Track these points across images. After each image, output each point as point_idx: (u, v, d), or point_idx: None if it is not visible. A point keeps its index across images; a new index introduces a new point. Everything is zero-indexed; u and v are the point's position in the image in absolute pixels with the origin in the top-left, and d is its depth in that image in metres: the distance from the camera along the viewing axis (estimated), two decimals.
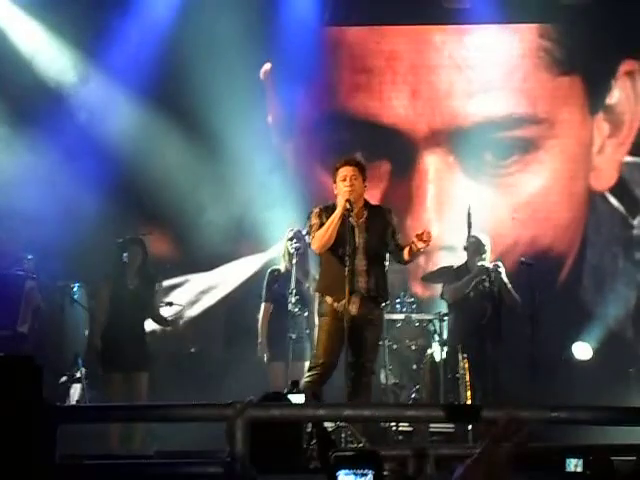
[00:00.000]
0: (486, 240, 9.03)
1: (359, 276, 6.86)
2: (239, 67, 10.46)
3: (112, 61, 10.52)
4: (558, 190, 10.92)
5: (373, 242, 6.94)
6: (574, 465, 4.45)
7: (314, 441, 6.07)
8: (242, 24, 10.30)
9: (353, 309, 6.84)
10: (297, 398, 6.16)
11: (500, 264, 8.94)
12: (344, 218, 6.84)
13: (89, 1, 10.53)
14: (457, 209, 10.34)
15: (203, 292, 10.92)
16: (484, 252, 8.93)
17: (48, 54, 10.62)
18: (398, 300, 9.30)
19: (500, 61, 10.96)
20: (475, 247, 8.94)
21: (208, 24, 10.48)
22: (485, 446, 2.63)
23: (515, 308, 8.90)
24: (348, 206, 6.83)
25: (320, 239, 6.91)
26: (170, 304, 9.23)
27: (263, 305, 9.20)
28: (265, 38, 10.57)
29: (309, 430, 6.01)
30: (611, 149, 10.86)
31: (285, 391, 6.78)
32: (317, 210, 7.06)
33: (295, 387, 6.29)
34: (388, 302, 7.40)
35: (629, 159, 10.84)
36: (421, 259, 10.36)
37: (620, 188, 10.83)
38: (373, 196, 10.54)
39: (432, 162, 10.89)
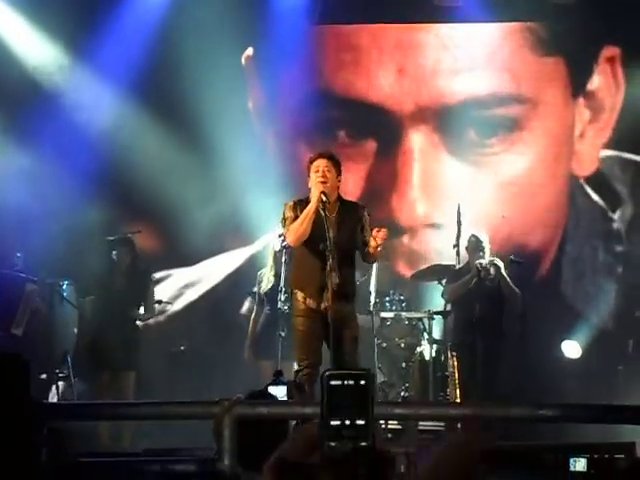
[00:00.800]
0: (484, 237, 9.04)
1: (331, 272, 6.78)
2: (225, 57, 10.50)
3: (99, 56, 10.51)
4: (542, 173, 10.96)
5: (344, 238, 6.87)
6: (578, 465, 4.44)
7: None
8: (225, 11, 10.31)
9: (325, 305, 6.82)
10: (278, 390, 6.12)
11: (498, 260, 8.97)
12: (318, 211, 6.80)
13: None
14: (442, 188, 10.53)
15: (188, 286, 10.92)
16: (482, 249, 8.94)
17: (35, 49, 10.60)
18: (387, 298, 9.28)
19: (485, 41, 11.00)
20: (474, 246, 8.97)
21: (193, 14, 10.54)
22: (452, 441, 2.64)
23: (515, 302, 8.93)
24: (324, 198, 6.79)
25: (295, 232, 6.86)
26: (159, 302, 9.23)
27: (255, 307, 9.23)
28: (248, 22, 10.55)
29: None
30: (592, 135, 10.92)
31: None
32: (291, 203, 7.00)
33: (279, 377, 6.26)
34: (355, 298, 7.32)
35: (609, 153, 10.87)
36: (406, 237, 10.48)
37: (600, 181, 10.88)
38: (358, 174, 10.69)
39: (417, 141, 10.91)
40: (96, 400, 8.18)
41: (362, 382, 2.82)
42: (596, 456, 4.38)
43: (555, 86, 10.92)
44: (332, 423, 2.77)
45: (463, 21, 10.88)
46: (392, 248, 9.77)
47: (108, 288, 8.72)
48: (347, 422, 2.77)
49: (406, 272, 10.26)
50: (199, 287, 10.94)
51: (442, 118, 10.86)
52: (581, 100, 10.93)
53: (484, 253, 8.92)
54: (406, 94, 10.98)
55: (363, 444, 2.70)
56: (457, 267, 9.11)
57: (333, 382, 2.74)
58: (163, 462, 4.46)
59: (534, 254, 10.71)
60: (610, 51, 10.89)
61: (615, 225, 10.85)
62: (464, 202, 9.39)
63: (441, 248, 10.03)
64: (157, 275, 10.09)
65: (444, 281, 9.20)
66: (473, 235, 9.01)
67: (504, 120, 10.89)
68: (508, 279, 8.89)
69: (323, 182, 6.85)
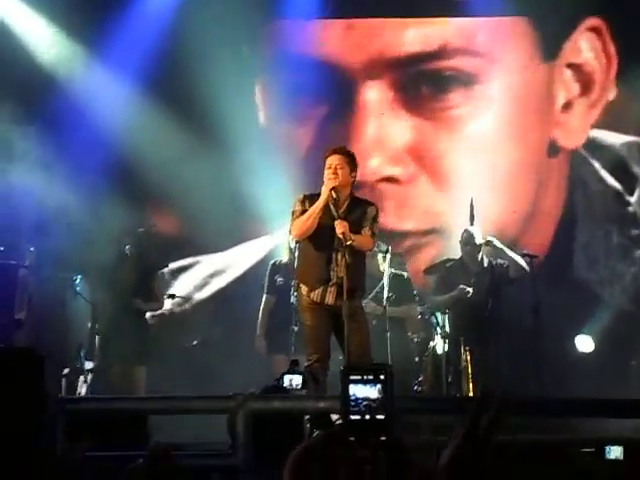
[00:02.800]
0: (475, 230, 9.02)
1: (335, 266, 6.80)
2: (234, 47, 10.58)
3: (112, 50, 10.53)
4: (510, 135, 10.91)
5: (349, 232, 6.80)
6: (614, 453, 4.43)
7: (316, 432, 6.06)
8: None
9: (329, 299, 6.83)
10: (294, 378, 6.13)
11: (490, 237, 8.99)
12: (327, 208, 6.81)
13: None
14: (397, 143, 10.70)
15: (211, 276, 10.98)
16: (473, 243, 8.93)
17: (49, 44, 10.63)
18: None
19: None
20: (466, 240, 8.97)
21: (204, 9, 10.60)
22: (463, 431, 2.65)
23: (519, 277, 8.93)
24: (334, 195, 6.80)
25: (300, 227, 6.86)
26: (172, 296, 9.25)
27: (265, 297, 9.23)
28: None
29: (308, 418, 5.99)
30: (582, 108, 10.88)
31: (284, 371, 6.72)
32: (301, 197, 6.99)
33: (294, 367, 6.27)
34: (364, 293, 7.33)
35: (629, 138, 10.84)
36: (366, 191, 10.34)
37: (617, 165, 10.84)
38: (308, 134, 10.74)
39: (372, 97, 10.94)
40: (108, 395, 8.20)
41: (382, 377, 2.83)
42: (632, 443, 4.37)
43: (517, 46, 10.87)
44: (352, 418, 2.78)
45: (473, 15, 10.86)
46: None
47: (119, 282, 8.74)
48: (367, 417, 2.79)
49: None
50: (215, 280, 10.99)
51: (393, 72, 10.89)
52: (567, 71, 10.89)
53: (476, 247, 8.93)
54: (356, 47, 11.02)
55: (382, 439, 2.71)
56: (448, 264, 9.11)
57: (353, 377, 2.76)
58: (179, 457, 4.46)
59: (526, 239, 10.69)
60: (593, 21, 10.84)
61: (631, 208, 10.82)
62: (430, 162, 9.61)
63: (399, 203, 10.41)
64: (176, 265, 10.16)
65: (434, 277, 9.20)
66: (465, 230, 9.02)
67: (457, 73, 10.88)
68: (510, 252, 8.90)
69: (334, 179, 6.83)
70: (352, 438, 2.74)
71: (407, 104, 10.88)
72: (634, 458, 4.34)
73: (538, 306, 8.72)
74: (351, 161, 6.96)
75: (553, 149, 10.89)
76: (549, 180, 10.94)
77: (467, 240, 8.92)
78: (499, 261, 8.94)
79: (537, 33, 10.79)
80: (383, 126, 10.89)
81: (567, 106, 10.89)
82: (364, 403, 2.89)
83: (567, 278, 10.71)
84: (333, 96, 10.96)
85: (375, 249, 8.89)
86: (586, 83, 10.86)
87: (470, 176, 10.51)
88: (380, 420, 2.74)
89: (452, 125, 10.91)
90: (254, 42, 10.81)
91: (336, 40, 11.05)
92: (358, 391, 2.92)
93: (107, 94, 10.50)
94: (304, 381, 6.09)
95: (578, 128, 10.88)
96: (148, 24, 10.61)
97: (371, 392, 2.91)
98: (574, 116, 10.89)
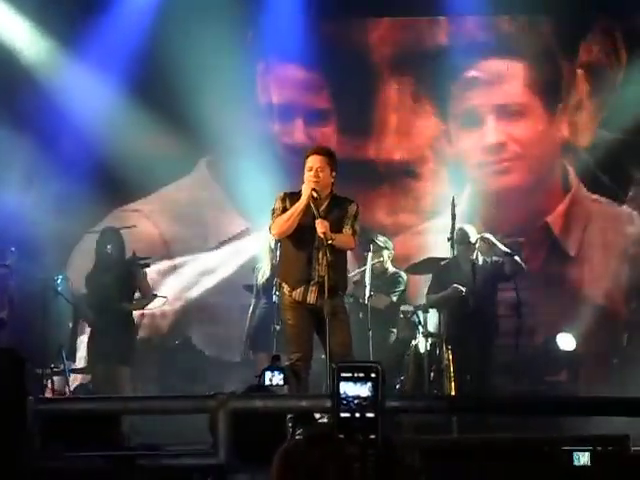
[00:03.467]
0: (470, 229, 9.03)
1: (317, 265, 6.82)
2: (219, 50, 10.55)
3: (92, 47, 10.51)
4: (535, 134, 11.25)
5: (331, 231, 6.80)
6: (581, 458, 4.43)
7: (298, 430, 6.06)
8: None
9: (311, 298, 6.84)
10: (275, 375, 6.12)
11: (486, 234, 9.01)
12: (308, 207, 6.82)
13: None
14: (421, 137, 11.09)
15: (195, 276, 11.04)
16: (467, 241, 8.92)
17: (29, 41, 10.58)
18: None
19: None
20: (461, 238, 8.95)
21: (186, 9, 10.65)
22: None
23: (516, 273, 8.94)
24: (315, 195, 6.81)
25: (281, 225, 6.87)
26: (154, 296, 9.21)
27: (253, 301, 9.26)
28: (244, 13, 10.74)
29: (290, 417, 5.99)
30: (592, 110, 11.16)
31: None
32: (282, 195, 7.00)
33: (276, 362, 6.27)
34: (346, 292, 7.37)
35: (626, 137, 10.99)
36: (386, 187, 10.84)
37: (613, 164, 11.05)
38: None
39: (395, 90, 11.27)
40: (92, 395, 8.18)
41: (373, 375, 2.84)
42: (600, 449, 4.37)
43: (537, 44, 11.14)
44: (342, 415, 2.79)
45: (460, 14, 11.04)
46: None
47: (100, 282, 8.70)
48: (357, 415, 2.79)
49: (386, 220, 10.66)
50: (198, 281, 11.01)
51: (420, 68, 11.16)
52: (580, 72, 11.15)
53: (471, 245, 8.91)
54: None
55: (372, 437, 2.72)
56: (443, 262, 9.11)
57: (344, 374, 2.76)
58: (158, 456, 4.45)
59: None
60: (605, 22, 11.09)
61: (626, 207, 11.09)
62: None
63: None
64: (158, 266, 10.16)
65: (430, 276, 9.20)
66: (460, 228, 8.99)
67: (482, 73, 11.20)
68: (504, 248, 8.90)
69: (315, 181, 6.84)
70: (341, 435, 2.74)
71: (433, 100, 11.21)
72: (602, 464, 4.34)
73: (520, 304, 8.74)
74: (332, 161, 6.96)
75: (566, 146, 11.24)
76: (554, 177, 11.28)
77: (461, 238, 8.92)
78: (494, 258, 8.94)
79: (556, 30, 11.11)
80: (404, 120, 11.27)
81: (578, 106, 11.16)
82: (355, 401, 2.90)
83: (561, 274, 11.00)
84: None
85: (381, 245, 8.93)
86: (596, 84, 11.11)
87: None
88: (370, 418, 2.74)
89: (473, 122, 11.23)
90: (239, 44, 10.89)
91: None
92: (349, 389, 2.92)
93: (87, 91, 10.45)
94: (285, 378, 6.08)
95: (588, 129, 11.17)
96: (129, 24, 10.61)
97: (362, 390, 2.91)
98: (585, 117, 11.18)
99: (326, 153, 7.00)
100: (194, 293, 10.95)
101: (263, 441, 4.40)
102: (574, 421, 6.39)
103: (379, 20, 11.34)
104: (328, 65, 11.14)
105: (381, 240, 9.12)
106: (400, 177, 11.18)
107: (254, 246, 10.30)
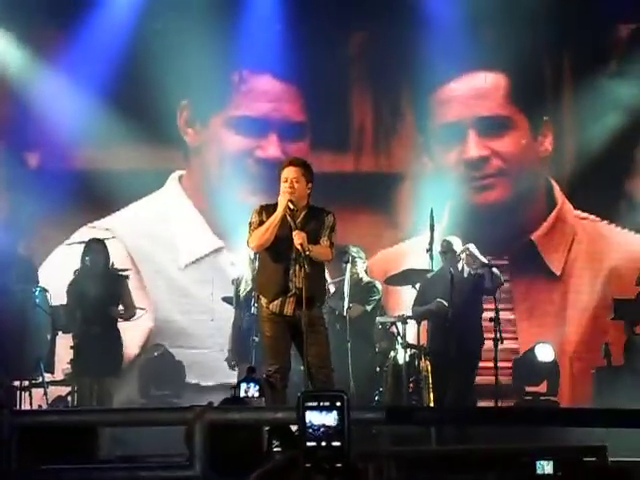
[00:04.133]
0: (455, 241, 8.99)
1: (294, 276, 6.83)
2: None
3: (69, 59, 10.53)
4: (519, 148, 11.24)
5: (307, 243, 6.81)
6: (545, 467, 4.45)
7: (275, 443, 6.04)
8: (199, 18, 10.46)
9: (288, 309, 6.84)
10: (250, 387, 6.11)
11: (471, 245, 8.97)
12: (284, 219, 6.82)
13: None
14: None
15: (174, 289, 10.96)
16: (454, 252, 8.89)
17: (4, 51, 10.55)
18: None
19: None
20: (445, 249, 8.93)
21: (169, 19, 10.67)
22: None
23: (496, 287, 8.91)
24: (291, 206, 6.81)
25: (259, 238, 6.86)
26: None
27: (234, 312, 9.25)
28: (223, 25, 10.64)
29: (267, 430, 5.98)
30: (578, 120, 11.20)
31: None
32: (258, 208, 6.99)
33: (251, 373, 6.26)
34: (323, 303, 7.34)
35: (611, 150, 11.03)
36: (364, 203, 10.81)
37: (601, 180, 11.00)
38: None
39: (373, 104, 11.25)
40: (78, 407, 8.13)
41: (338, 404, 2.85)
42: (563, 458, 4.40)
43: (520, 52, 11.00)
44: (308, 444, 2.80)
45: None
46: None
47: (85, 294, 8.64)
48: (323, 443, 2.80)
49: (365, 237, 10.57)
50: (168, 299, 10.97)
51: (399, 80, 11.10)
52: (565, 81, 11.38)
53: (456, 256, 8.89)
54: None
55: (338, 465, 2.74)
56: (429, 274, 9.07)
57: (309, 403, 2.77)
58: (132, 469, 4.43)
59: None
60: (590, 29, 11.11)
61: (614, 224, 11.10)
62: None
63: None
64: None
65: (417, 286, 9.17)
66: (445, 239, 8.99)
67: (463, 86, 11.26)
68: (481, 256, 8.86)
69: (291, 192, 6.84)
70: (308, 465, 2.76)
71: (410, 113, 11.25)
72: (566, 473, 4.36)
73: (497, 314, 8.73)
74: (307, 172, 6.96)
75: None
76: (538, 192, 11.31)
77: (447, 248, 8.92)
78: (476, 271, 8.91)
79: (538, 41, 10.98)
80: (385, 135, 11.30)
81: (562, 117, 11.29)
82: (321, 430, 2.91)
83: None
84: None
85: (354, 255, 8.91)
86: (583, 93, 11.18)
87: None
88: (336, 447, 2.76)
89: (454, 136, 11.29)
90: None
91: None
92: (314, 418, 2.94)
93: (62, 105, 10.41)
94: (261, 390, 6.07)
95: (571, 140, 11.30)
96: (107, 31, 10.59)
97: (327, 419, 2.93)
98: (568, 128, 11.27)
99: (301, 164, 7.01)
100: (163, 313, 10.81)
101: (239, 454, 4.39)
102: (552, 431, 6.40)
103: (358, 31, 11.22)
104: (304, 77, 11.03)
105: (354, 250, 9.08)
106: (379, 193, 11.04)
107: (227, 265, 10.28)
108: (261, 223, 6.89)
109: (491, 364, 8.68)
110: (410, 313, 9.03)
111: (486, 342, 8.89)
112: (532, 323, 10.80)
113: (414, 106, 11.12)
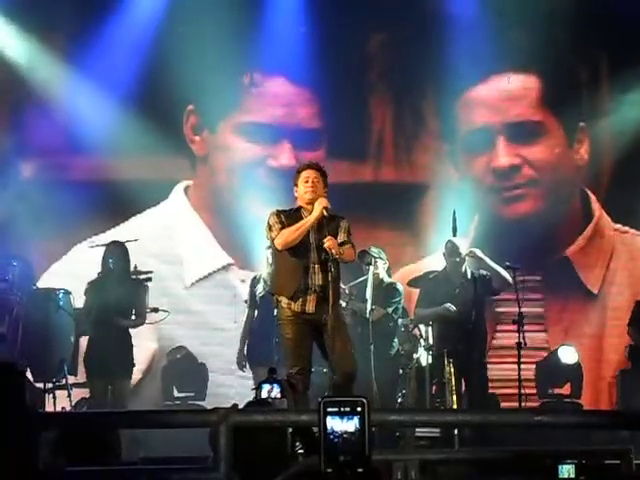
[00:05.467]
0: (459, 242, 8.96)
1: (314, 275, 6.89)
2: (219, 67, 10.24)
3: (91, 62, 10.40)
4: (552, 156, 10.75)
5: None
6: (567, 471, 4.45)
7: (298, 445, 6.05)
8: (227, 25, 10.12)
9: (310, 307, 6.90)
10: (273, 389, 6.13)
11: (475, 250, 8.90)
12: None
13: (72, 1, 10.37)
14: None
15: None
16: (459, 255, 8.86)
17: (27, 53, 10.57)
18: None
19: None
20: (450, 251, 8.92)
21: (192, 24, 10.36)
22: None
23: (503, 289, 8.83)
24: (325, 213, 6.87)
25: (287, 237, 6.88)
26: (156, 310, 9.18)
27: (247, 311, 9.26)
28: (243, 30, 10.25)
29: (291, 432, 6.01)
30: (617, 127, 10.71)
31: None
32: (275, 212, 7.03)
33: (273, 374, 6.28)
34: (340, 301, 7.38)
35: None
36: (383, 216, 10.12)
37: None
38: None
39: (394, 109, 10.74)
40: (93, 409, 8.17)
41: (359, 409, 2.87)
42: (585, 462, 4.39)
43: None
44: (329, 450, 2.82)
45: None
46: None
47: (104, 296, 8.67)
48: (344, 449, 2.82)
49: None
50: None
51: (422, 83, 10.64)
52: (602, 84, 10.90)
53: (460, 258, 8.86)
54: None
55: (360, 471, 2.76)
56: (431, 275, 9.04)
57: (330, 409, 2.79)
58: (159, 471, 4.45)
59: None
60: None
61: None
62: None
63: None
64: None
65: (418, 290, 9.16)
66: (449, 240, 8.94)
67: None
68: (492, 263, 8.79)
69: (312, 191, 6.91)
70: (329, 470, 2.78)
71: (434, 119, 10.81)
72: (588, 477, 4.36)
73: (521, 318, 8.70)
74: (324, 177, 7.05)
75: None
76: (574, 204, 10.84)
77: (451, 251, 8.90)
78: (481, 272, 8.90)
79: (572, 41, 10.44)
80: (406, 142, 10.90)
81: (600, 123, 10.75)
82: (342, 435, 2.93)
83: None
84: None
85: (375, 256, 8.90)
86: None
87: None
88: (357, 452, 2.78)
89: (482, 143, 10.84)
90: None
91: None
92: (335, 424, 2.96)
93: (86, 106, 10.36)
94: (282, 391, 6.09)
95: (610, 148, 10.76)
96: (130, 35, 10.48)
97: (348, 425, 2.95)
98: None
99: (319, 168, 7.10)
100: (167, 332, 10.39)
101: (263, 456, 4.41)
102: (574, 434, 6.39)
103: (377, 32, 10.69)
104: (319, 80, 10.42)
105: (375, 251, 9.04)
106: (400, 205, 10.47)
107: (236, 283, 10.11)
108: (282, 225, 6.92)
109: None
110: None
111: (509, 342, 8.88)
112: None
113: (438, 111, 10.56)
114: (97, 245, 9.40)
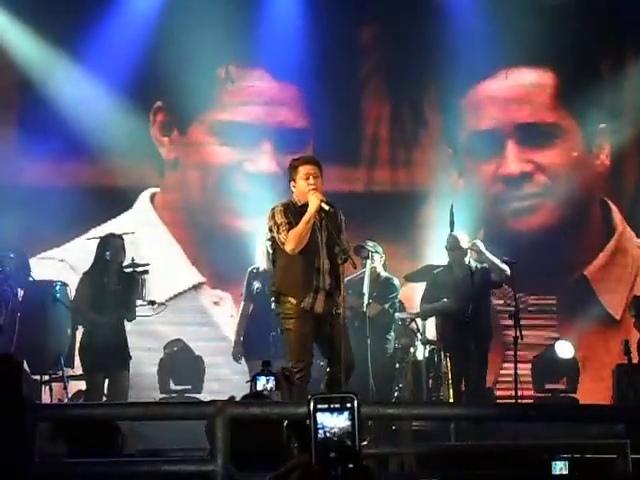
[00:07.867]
0: (461, 235, 8.95)
1: (324, 275, 6.89)
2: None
3: (88, 54, 10.14)
4: (569, 161, 10.05)
5: (331, 240, 6.90)
6: (560, 468, 4.47)
7: (293, 437, 6.07)
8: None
9: (319, 307, 6.89)
10: (267, 380, 6.15)
11: (478, 241, 8.85)
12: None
13: None
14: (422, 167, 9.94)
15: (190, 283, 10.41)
16: (460, 248, 8.86)
17: (25, 46, 10.54)
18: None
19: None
20: (452, 245, 8.92)
21: (189, 19, 9.96)
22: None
23: (502, 280, 8.73)
24: (326, 207, 6.82)
25: (297, 238, 6.80)
26: (152, 302, 9.17)
27: (242, 304, 9.26)
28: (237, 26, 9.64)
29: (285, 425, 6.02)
30: None
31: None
32: (281, 208, 6.91)
33: (267, 367, 6.30)
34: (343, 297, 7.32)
35: None
36: (378, 227, 9.39)
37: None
38: None
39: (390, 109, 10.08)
40: (91, 401, 8.17)
41: (349, 405, 2.90)
42: (579, 457, 4.40)
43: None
44: (319, 446, 2.85)
45: None
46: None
47: (102, 287, 8.67)
48: (335, 445, 2.85)
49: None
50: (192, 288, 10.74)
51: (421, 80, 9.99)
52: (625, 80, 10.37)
53: (463, 251, 8.86)
54: None
55: (350, 466, 2.79)
56: (436, 270, 9.01)
57: (320, 405, 2.82)
58: (156, 463, 4.46)
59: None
60: None
61: None
62: None
63: None
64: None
65: (424, 285, 9.16)
66: (451, 234, 8.92)
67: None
68: (491, 256, 8.77)
69: (314, 189, 6.84)
70: (320, 466, 2.82)
71: (435, 120, 10.35)
72: (581, 473, 4.37)
73: (517, 312, 8.71)
74: (321, 171, 6.99)
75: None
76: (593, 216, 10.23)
77: (453, 245, 8.91)
78: (482, 265, 8.90)
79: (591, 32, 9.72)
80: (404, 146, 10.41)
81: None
82: (332, 431, 2.96)
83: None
84: None
85: (371, 250, 8.88)
86: None
87: None
88: (347, 447, 2.81)
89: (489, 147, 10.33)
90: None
91: None
92: (325, 419, 2.99)
93: (82, 97, 10.14)
94: (277, 384, 6.11)
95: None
96: (127, 28, 10.23)
97: (338, 421, 2.98)
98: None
99: (317, 163, 7.05)
100: (188, 299, 10.14)
101: (259, 447, 4.43)
102: (570, 428, 6.39)
103: (370, 23, 9.87)
104: (305, 75, 9.55)
105: (370, 245, 8.97)
106: (396, 216, 9.66)
107: (209, 305, 9.80)
108: (290, 224, 6.86)
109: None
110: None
111: (506, 339, 8.88)
112: (586, 377, 9.35)
113: (440, 111, 9.76)
114: (93, 238, 9.39)
